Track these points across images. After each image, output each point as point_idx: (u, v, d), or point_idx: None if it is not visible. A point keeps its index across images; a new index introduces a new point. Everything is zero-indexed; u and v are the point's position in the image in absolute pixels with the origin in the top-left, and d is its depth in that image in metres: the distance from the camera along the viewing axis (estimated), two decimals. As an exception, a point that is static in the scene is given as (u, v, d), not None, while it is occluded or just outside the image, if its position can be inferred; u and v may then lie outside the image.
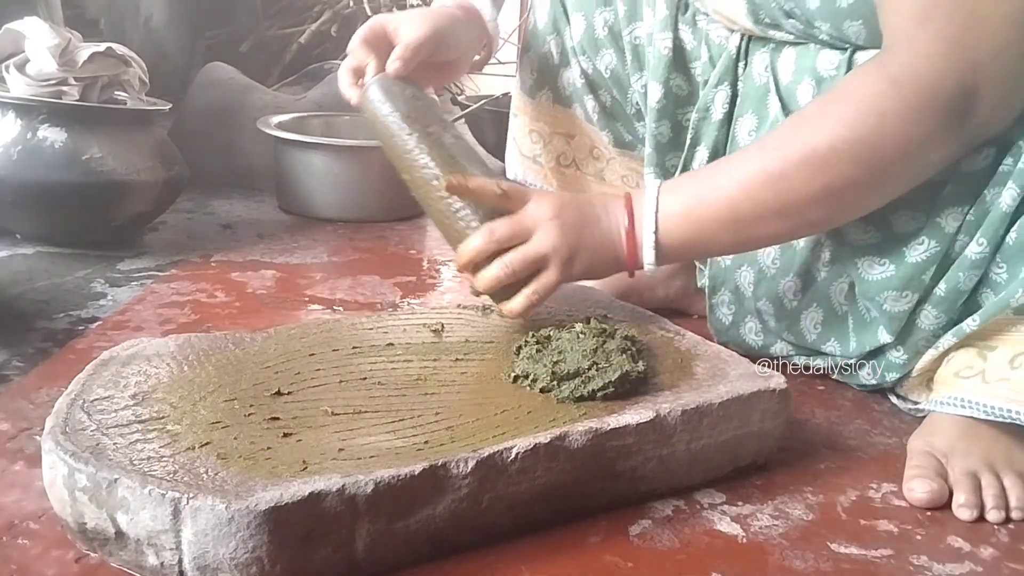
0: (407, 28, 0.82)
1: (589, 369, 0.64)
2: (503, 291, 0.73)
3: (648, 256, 0.72)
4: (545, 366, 0.65)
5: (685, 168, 0.89)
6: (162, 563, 0.50)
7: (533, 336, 0.69)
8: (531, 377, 0.65)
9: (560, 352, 0.66)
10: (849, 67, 0.74)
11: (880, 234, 0.75)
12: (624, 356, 0.65)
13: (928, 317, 0.75)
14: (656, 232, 0.72)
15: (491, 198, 0.73)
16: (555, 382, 0.64)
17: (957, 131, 0.65)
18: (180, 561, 0.49)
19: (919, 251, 0.73)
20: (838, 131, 0.65)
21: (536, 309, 0.73)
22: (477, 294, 0.75)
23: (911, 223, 0.73)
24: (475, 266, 0.72)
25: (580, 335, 0.68)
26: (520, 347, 0.69)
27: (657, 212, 0.72)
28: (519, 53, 1.02)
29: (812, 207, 0.68)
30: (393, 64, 0.81)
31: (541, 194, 0.74)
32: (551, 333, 0.70)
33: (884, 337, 0.77)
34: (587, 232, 0.73)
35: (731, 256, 0.88)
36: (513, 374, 0.66)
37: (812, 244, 0.81)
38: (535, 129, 1.02)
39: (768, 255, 0.84)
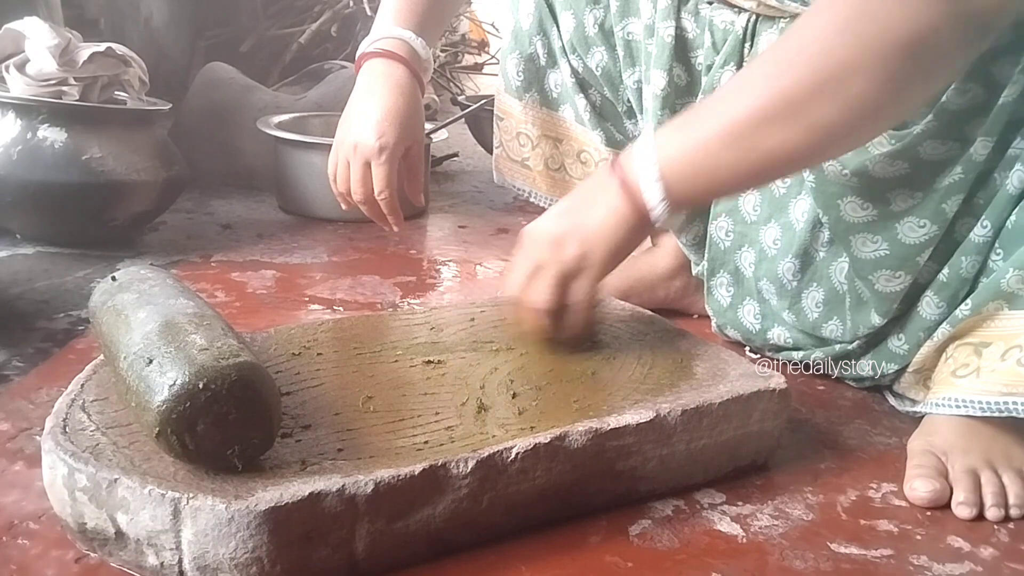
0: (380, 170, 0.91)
1: None
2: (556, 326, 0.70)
3: (653, 192, 0.64)
4: None
5: None
6: (162, 563, 0.50)
7: None
8: None
9: None
10: None
11: (877, 212, 0.75)
12: None
13: (930, 305, 0.75)
14: (656, 164, 0.64)
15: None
16: None
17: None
18: (180, 561, 0.49)
19: (918, 233, 0.73)
20: (832, 15, 0.60)
21: (589, 323, 0.71)
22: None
23: (909, 201, 0.73)
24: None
25: None
26: None
27: (649, 147, 0.65)
28: (501, 55, 1.02)
29: (817, 102, 0.60)
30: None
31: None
32: None
33: (875, 319, 0.78)
34: (577, 213, 0.68)
35: (731, 238, 0.88)
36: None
37: (812, 225, 0.81)
38: (523, 132, 1.02)
39: (769, 235, 0.85)
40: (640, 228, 0.66)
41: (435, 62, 2.24)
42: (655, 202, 0.64)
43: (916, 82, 0.61)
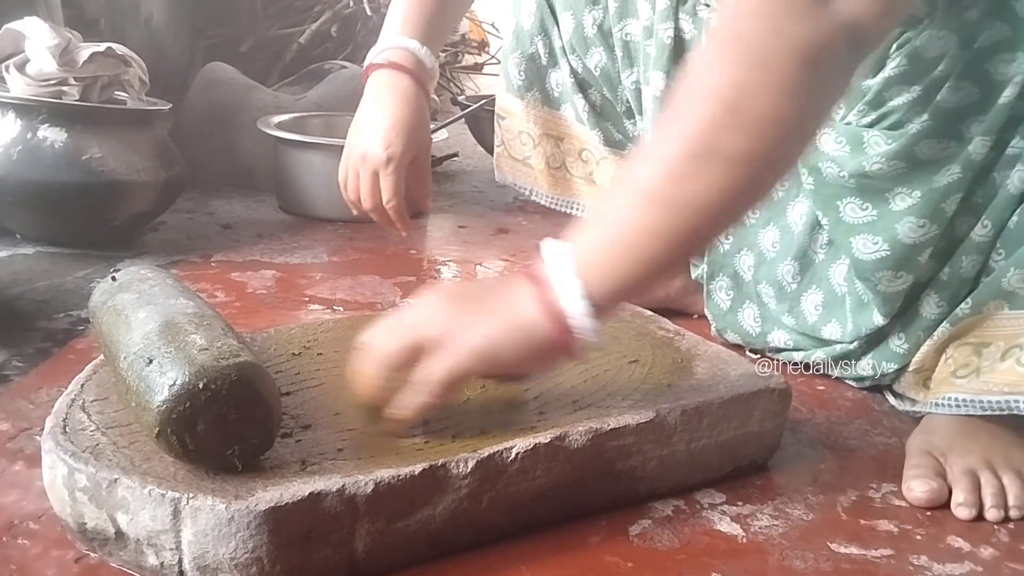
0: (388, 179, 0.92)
1: None
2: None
3: (575, 302, 0.55)
4: None
5: None
6: (162, 563, 0.50)
7: None
8: None
9: None
10: None
11: (877, 212, 0.75)
12: None
13: (930, 304, 0.76)
14: (573, 264, 0.55)
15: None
16: None
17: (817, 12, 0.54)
18: (180, 561, 0.49)
19: (918, 232, 0.73)
20: (721, 45, 0.57)
21: (425, 408, 0.56)
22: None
23: (908, 201, 0.73)
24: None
25: None
26: None
27: (560, 248, 0.57)
28: (503, 54, 1.02)
29: (724, 133, 0.54)
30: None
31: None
32: None
33: (877, 319, 0.78)
34: (479, 300, 0.58)
35: (730, 240, 0.88)
36: None
37: (810, 227, 0.81)
38: (525, 131, 1.02)
39: (767, 238, 0.85)
40: (559, 345, 0.56)
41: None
42: (578, 310, 0.55)
43: (816, 96, 0.56)
